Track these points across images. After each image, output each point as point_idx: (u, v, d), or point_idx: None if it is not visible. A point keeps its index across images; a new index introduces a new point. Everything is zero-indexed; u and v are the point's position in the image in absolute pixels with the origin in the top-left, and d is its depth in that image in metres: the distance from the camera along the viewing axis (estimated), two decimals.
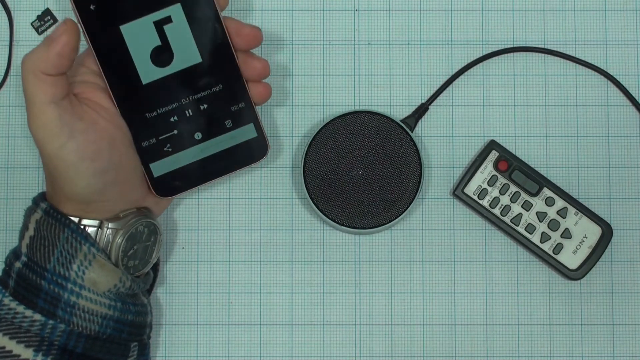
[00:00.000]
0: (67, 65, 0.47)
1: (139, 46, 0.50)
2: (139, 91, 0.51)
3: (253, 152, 0.53)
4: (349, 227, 0.58)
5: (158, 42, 0.50)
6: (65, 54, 0.47)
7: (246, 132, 0.53)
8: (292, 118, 0.61)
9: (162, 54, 0.50)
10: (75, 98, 0.49)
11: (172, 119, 0.51)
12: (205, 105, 0.51)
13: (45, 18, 0.61)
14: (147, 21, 0.49)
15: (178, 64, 0.51)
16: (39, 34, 0.61)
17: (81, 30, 0.49)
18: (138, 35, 0.49)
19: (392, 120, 0.58)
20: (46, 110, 0.47)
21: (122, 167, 0.50)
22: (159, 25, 0.50)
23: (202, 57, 0.51)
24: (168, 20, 0.50)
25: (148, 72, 0.50)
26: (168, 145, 0.52)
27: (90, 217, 0.50)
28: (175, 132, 0.52)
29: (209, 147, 0.52)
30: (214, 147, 0.52)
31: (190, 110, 0.51)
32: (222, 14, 0.51)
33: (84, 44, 0.49)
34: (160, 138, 0.52)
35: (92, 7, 0.49)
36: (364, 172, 0.58)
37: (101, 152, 0.48)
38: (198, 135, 0.52)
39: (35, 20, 0.61)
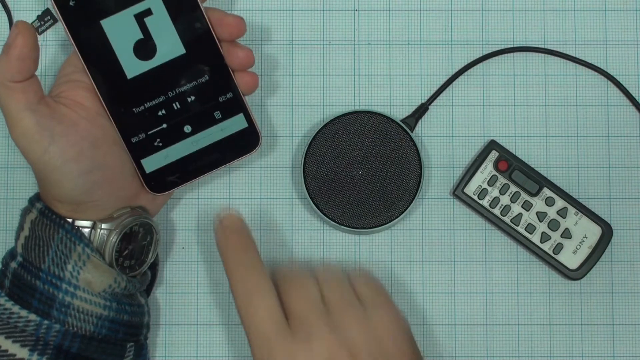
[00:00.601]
0: (32, 67, 0.47)
1: (121, 40, 0.50)
2: (124, 86, 0.50)
3: (245, 143, 0.53)
4: (349, 227, 0.58)
5: (140, 35, 0.50)
6: (25, 56, 0.46)
7: (236, 123, 0.53)
8: (292, 118, 0.61)
9: (145, 47, 0.50)
10: (52, 100, 0.49)
11: (160, 113, 0.51)
12: (193, 97, 0.51)
13: (45, 18, 0.61)
14: (128, 14, 0.49)
15: (162, 57, 0.50)
16: (39, 33, 0.61)
17: (63, 27, 0.49)
18: (119, 29, 0.49)
19: (392, 120, 0.58)
20: (23, 118, 0.47)
21: (107, 166, 0.50)
22: (140, 18, 0.49)
23: (185, 49, 0.51)
24: (148, 12, 0.50)
25: (132, 66, 0.50)
26: (158, 139, 0.52)
27: (83, 218, 0.50)
28: (164, 126, 0.52)
29: (200, 140, 0.52)
30: (205, 139, 0.52)
31: (177, 103, 0.51)
32: (205, 4, 0.51)
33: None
34: (149, 133, 0.52)
35: (71, 3, 0.49)
36: (364, 172, 0.58)
37: (84, 153, 0.48)
38: (188, 129, 0.52)
39: (35, 20, 0.61)
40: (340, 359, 0.46)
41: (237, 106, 0.52)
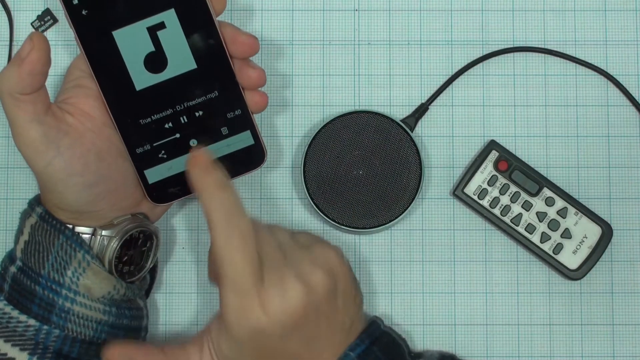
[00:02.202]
0: (42, 80, 0.46)
1: (132, 52, 0.49)
2: (132, 97, 0.50)
3: (250, 159, 0.53)
4: (349, 227, 0.58)
5: (152, 48, 0.49)
6: (37, 71, 0.46)
7: (243, 140, 0.52)
8: (292, 118, 0.61)
9: (155, 60, 0.50)
10: (58, 110, 0.48)
11: (166, 126, 0.51)
12: (201, 112, 0.51)
13: (45, 18, 0.61)
14: (141, 27, 0.49)
15: (172, 70, 0.50)
16: None
17: (73, 35, 0.49)
18: (131, 41, 0.49)
19: (392, 120, 0.58)
20: (29, 129, 0.46)
21: (111, 178, 0.50)
22: (153, 31, 0.49)
23: (196, 64, 0.50)
24: (162, 26, 0.49)
25: (141, 78, 0.50)
26: (163, 152, 0.52)
27: (83, 224, 0.50)
28: (170, 138, 0.51)
29: None
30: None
31: (185, 117, 0.51)
32: (219, 18, 0.50)
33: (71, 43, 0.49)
34: (154, 145, 0.51)
35: (84, 12, 0.48)
36: (364, 172, 0.58)
37: (89, 166, 0.48)
38: (193, 142, 0.52)
39: (35, 20, 0.61)
40: (312, 302, 0.46)
41: (244, 123, 0.52)
